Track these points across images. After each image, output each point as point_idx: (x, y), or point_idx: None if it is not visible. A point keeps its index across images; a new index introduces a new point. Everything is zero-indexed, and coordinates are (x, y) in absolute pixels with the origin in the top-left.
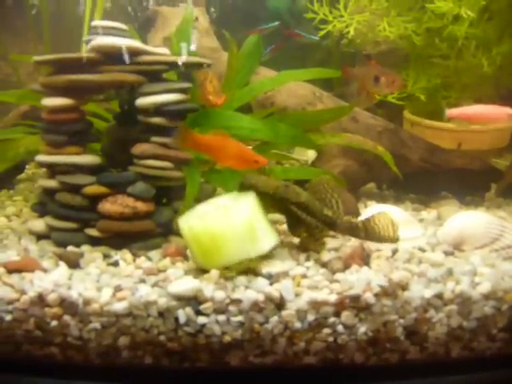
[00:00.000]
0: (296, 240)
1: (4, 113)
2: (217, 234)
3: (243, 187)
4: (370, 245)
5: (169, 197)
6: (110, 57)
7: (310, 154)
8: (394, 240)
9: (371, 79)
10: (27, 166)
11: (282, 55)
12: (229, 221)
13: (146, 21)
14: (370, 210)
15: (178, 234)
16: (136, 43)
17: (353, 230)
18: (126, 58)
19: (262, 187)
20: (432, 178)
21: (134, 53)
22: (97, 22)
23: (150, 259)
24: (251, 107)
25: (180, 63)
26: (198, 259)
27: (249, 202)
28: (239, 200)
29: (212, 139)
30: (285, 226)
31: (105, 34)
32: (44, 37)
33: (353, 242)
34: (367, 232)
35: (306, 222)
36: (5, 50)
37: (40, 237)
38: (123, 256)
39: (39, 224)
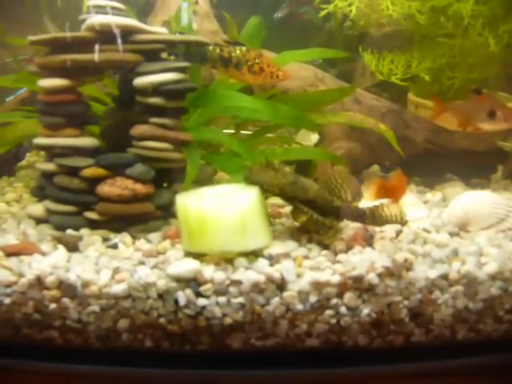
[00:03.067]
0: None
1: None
2: (206, 218)
3: (249, 181)
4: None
5: (168, 179)
6: (107, 36)
7: (313, 139)
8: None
9: (484, 114)
10: (28, 154)
11: (283, 38)
12: (222, 210)
13: (145, 5)
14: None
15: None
16: (133, 21)
17: (360, 217)
18: (121, 36)
19: (268, 185)
20: (437, 160)
21: (131, 31)
22: (94, 1)
23: (149, 242)
24: (252, 89)
25: (178, 42)
26: (183, 239)
27: (249, 197)
28: (241, 192)
29: None
30: (287, 209)
31: (102, 13)
32: (43, 22)
33: (356, 224)
34: (374, 219)
35: (314, 221)
36: (4, 37)
37: (39, 221)
38: (122, 239)
39: (38, 208)
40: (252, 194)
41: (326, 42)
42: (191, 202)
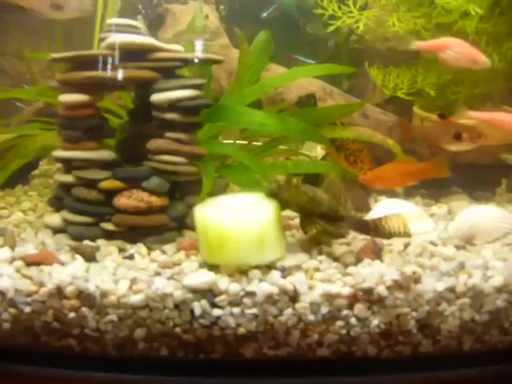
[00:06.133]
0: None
1: (18, 110)
2: (226, 233)
3: (270, 195)
4: (382, 239)
5: (182, 191)
6: (125, 53)
7: (319, 150)
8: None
9: (450, 136)
10: (40, 162)
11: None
12: (241, 224)
13: (156, 18)
14: (380, 204)
15: (191, 228)
16: (150, 40)
17: (362, 227)
18: (140, 54)
19: (292, 204)
20: None
21: (149, 50)
22: (112, 20)
23: (164, 253)
24: (261, 104)
25: (195, 60)
26: (202, 251)
27: (267, 212)
28: (260, 206)
29: None
30: (297, 221)
31: (119, 32)
32: (56, 34)
33: (364, 237)
34: (377, 231)
35: (328, 233)
36: (18, 48)
37: (56, 231)
38: (138, 250)
39: (55, 218)
40: (270, 208)
41: (332, 56)
42: (210, 217)
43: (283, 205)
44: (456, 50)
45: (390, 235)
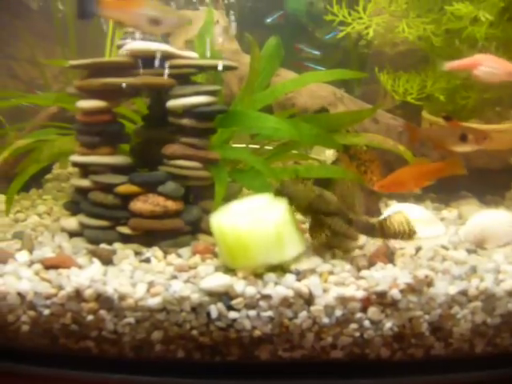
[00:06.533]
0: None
1: (30, 115)
2: (243, 236)
3: (280, 194)
4: (395, 243)
5: (196, 196)
6: (142, 60)
7: (328, 154)
8: (411, 236)
9: (456, 138)
10: (53, 167)
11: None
12: (258, 225)
13: None
14: (391, 209)
15: (205, 232)
16: (167, 47)
17: (369, 230)
18: (158, 61)
19: (298, 198)
20: (451, 178)
21: (166, 56)
22: (129, 27)
23: (180, 256)
24: (271, 109)
25: (212, 66)
26: (223, 257)
27: (280, 211)
28: (272, 206)
29: None
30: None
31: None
32: (69, 40)
33: (376, 240)
34: (383, 231)
35: (339, 234)
36: (31, 53)
37: (72, 234)
38: (154, 253)
39: (72, 222)
40: (283, 206)
41: (341, 60)
42: (226, 222)
43: (290, 200)
44: (489, 64)
45: (395, 235)
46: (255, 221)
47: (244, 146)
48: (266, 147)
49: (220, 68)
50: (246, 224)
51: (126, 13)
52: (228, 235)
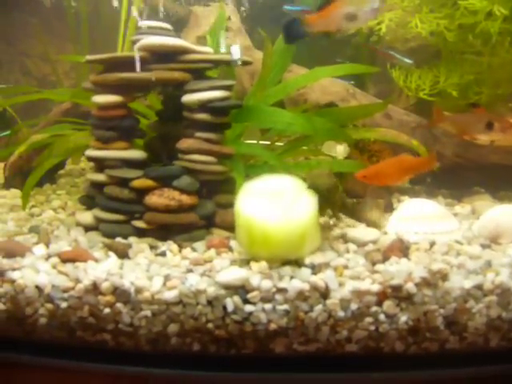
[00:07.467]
0: (336, 232)
1: (43, 110)
2: (270, 232)
3: (309, 186)
4: (409, 237)
5: (210, 190)
6: (157, 55)
7: (339, 150)
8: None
9: (481, 125)
10: (66, 162)
11: (312, 53)
12: (286, 225)
13: (178, 20)
14: (404, 204)
15: (220, 226)
16: (182, 42)
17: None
18: (172, 56)
19: (324, 190)
20: (464, 173)
21: (181, 51)
22: (144, 22)
23: (195, 250)
24: (283, 104)
25: (228, 61)
26: (241, 241)
27: (310, 208)
28: (299, 198)
29: None
30: (323, 219)
31: (151, 34)
32: (82, 36)
33: (390, 235)
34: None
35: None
36: (43, 50)
37: (88, 228)
38: (169, 247)
39: (87, 216)
40: (311, 202)
41: (352, 56)
42: (256, 216)
43: (318, 193)
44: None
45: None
46: (285, 221)
47: (255, 141)
48: (277, 143)
49: (239, 63)
50: (275, 222)
51: (328, 20)
52: (255, 227)
